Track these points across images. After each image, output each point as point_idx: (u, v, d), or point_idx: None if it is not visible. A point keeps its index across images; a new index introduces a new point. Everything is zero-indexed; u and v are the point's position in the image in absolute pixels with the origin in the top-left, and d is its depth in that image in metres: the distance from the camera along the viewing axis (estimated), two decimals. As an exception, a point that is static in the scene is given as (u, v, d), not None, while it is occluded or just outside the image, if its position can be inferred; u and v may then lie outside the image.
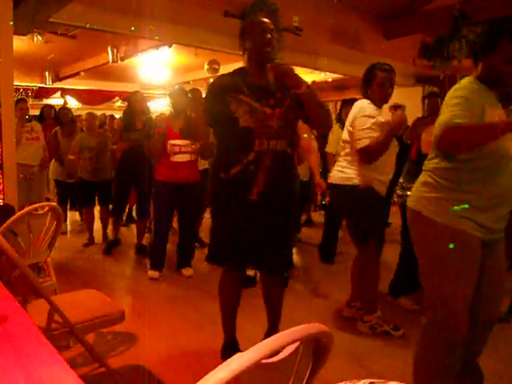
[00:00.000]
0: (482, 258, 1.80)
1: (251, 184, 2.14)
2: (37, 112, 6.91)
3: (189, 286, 3.71)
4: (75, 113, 10.89)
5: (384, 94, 2.72)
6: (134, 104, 4.43)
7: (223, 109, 2.11)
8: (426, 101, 4.30)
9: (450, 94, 1.78)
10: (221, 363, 0.68)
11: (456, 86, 1.81)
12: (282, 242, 2.28)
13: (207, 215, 4.74)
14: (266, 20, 2.17)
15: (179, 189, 3.79)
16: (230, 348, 2.39)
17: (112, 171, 4.90)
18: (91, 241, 5.05)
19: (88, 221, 5.10)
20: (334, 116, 4.38)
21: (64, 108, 6.04)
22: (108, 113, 11.03)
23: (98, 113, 10.14)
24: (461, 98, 1.71)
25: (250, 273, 3.50)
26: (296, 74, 2.05)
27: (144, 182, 4.38)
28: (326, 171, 5.72)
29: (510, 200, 1.80)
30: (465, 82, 1.81)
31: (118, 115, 10.62)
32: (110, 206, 4.96)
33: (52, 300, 1.64)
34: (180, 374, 2.32)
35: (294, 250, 3.71)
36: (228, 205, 2.21)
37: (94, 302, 2.05)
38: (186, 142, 3.68)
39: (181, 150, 3.73)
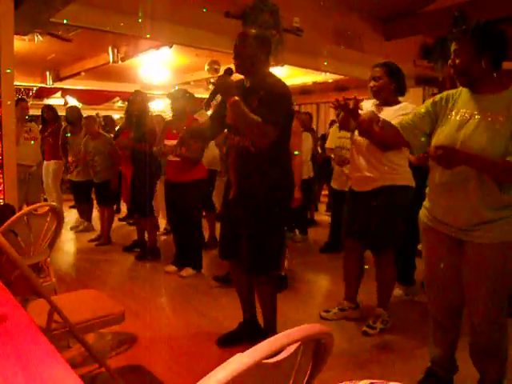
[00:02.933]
0: None
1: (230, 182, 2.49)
2: (38, 112, 6.93)
3: (189, 286, 3.71)
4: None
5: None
6: (131, 105, 4.46)
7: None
8: None
9: None
10: (222, 363, 0.68)
11: None
12: (256, 244, 2.37)
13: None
14: (245, 31, 2.42)
15: (171, 186, 3.97)
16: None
17: (111, 172, 4.94)
18: (107, 240, 5.04)
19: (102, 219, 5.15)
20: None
21: (72, 107, 6.14)
22: (109, 113, 11.04)
23: (97, 113, 10.18)
24: None
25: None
26: (228, 89, 2.25)
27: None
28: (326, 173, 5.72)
29: None
30: None
31: (117, 115, 10.65)
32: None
33: (52, 300, 1.64)
34: (180, 374, 2.32)
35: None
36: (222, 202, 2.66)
37: (93, 302, 2.05)
38: (169, 142, 3.86)
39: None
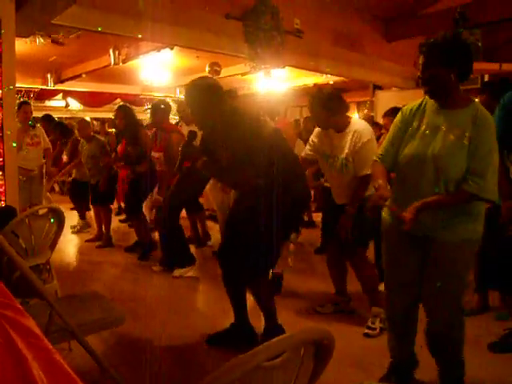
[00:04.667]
0: None
1: None
2: (39, 114, 6.97)
3: (188, 287, 3.71)
4: (77, 115, 11.02)
5: None
6: (116, 121, 4.73)
7: None
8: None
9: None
10: (223, 364, 0.68)
11: None
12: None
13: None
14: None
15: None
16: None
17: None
18: (108, 242, 5.03)
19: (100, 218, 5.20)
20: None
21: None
22: (109, 115, 11.07)
23: (99, 115, 10.20)
24: None
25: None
26: (192, 155, 2.40)
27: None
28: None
29: None
30: None
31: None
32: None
33: (53, 302, 1.64)
34: (181, 374, 2.32)
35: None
36: None
37: (94, 303, 2.05)
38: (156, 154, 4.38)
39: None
